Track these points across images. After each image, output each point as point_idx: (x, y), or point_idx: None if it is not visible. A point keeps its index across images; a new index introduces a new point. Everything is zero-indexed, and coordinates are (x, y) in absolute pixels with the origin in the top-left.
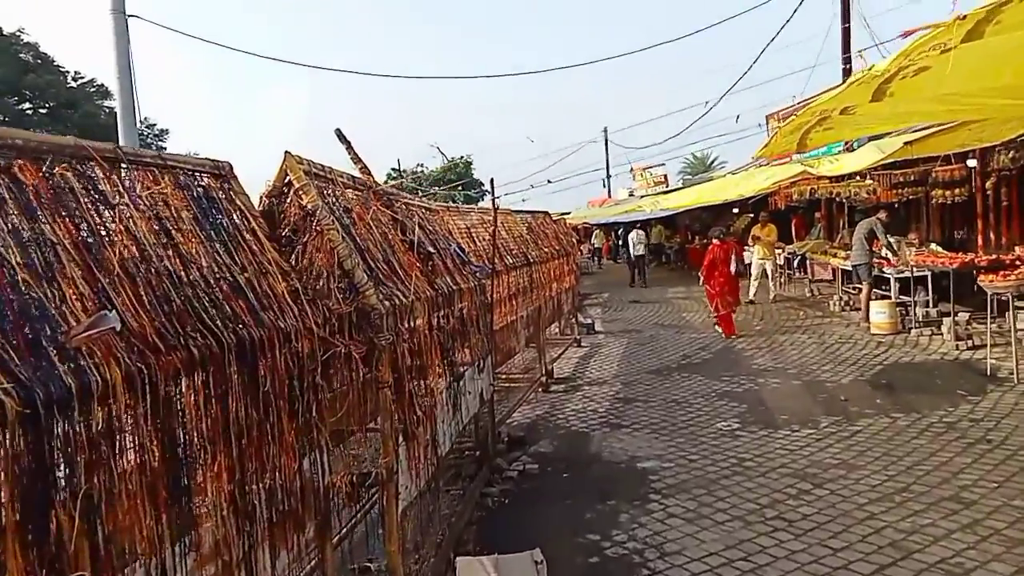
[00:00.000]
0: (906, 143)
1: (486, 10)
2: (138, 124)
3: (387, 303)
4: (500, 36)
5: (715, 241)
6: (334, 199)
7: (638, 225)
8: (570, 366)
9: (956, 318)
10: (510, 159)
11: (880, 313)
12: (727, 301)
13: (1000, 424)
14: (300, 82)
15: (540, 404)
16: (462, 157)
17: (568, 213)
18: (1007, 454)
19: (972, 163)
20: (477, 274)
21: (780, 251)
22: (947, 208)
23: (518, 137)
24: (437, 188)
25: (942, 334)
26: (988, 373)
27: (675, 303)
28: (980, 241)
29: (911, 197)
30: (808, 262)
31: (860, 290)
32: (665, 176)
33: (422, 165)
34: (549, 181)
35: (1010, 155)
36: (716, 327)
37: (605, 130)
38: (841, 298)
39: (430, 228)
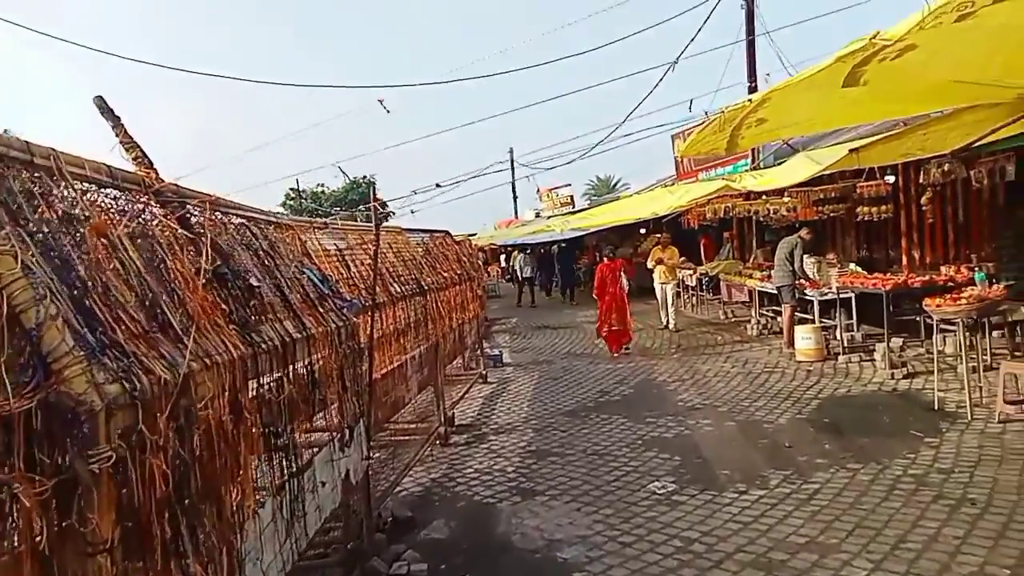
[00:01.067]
0: (851, 150)
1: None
2: None
3: (113, 387)
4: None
5: (604, 260)
6: (41, 201)
7: (528, 250)
8: (474, 408)
9: (890, 344)
10: (414, 178)
11: (806, 339)
12: (613, 319)
13: (975, 478)
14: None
15: (437, 463)
16: (365, 176)
17: (474, 234)
18: (1001, 522)
19: (890, 179)
20: (345, 311)
21: (691, 272)
22: (871, 226)
23: (426, 158)
24: (339, 209)
25: (873, 361)
26: (936, 407)
27: (587, 329)
28: (905, 260)
29: (832, 215)
30: (721, 283)
31: (780, 313)
32: (571, 197)
33: (323, 185)
34: (438, 185)
35: (942, 168)
36: (600, 339)
37: (511, 151)
38: (759, 321)
39: (264, 250)
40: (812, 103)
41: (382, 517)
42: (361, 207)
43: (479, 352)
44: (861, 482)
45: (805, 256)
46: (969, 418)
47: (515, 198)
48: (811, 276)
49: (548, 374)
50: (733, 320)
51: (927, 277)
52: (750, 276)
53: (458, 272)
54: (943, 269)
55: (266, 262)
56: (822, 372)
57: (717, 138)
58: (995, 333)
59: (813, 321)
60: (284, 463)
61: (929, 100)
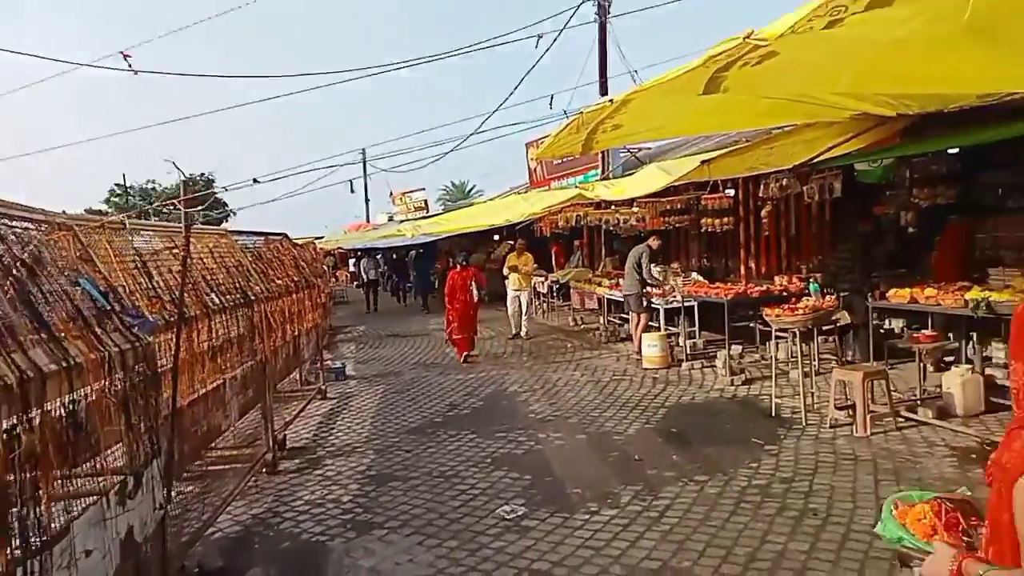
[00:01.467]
0: (703, 162)
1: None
2: None
3: None
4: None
5: (455, 268)
6: None
7: (379, 254)
8: (310, 429)
9: (730, 352)
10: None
11: (652, 346)
12: (460, 326)
13: (815, 487)
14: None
15: (262, 495)
16: (202, 174)
17: (321, 237)
18: (841, 532)
19: (730, 192)
20: (137, 329)
21: (543, 280)
22: (712, 237)
23: (271, 158)
24: (173, 207)
25: (714, 367)
26: (772, 414)
27: (438, 337)
28: (743, 271)
29: (678, 226)
30: (572, 290)
31: (628, 320)
32: (425, 201)
33: (154, 181)
34: (255, 180)
35: (780, 183)
36: (448, 343)
37: (363, 152)
38: (607, 328)
39: (13, 258)
40: (669, 109)
41: (186, 569)
42: (200, 207)
43: (319, 365)
44: (709, 496)
45: (653, 265)
46: (804, 423)
47: (367, 200)
48: (659, 284)
49: (395, 387)
50: (583, 327)
51: (764, 287)
52: (599, 284)
53: (295, 279)
54: (777, 279)
55: (16, 273)
56: (667, 379)
57: (573, 139)
58: (823, 339)
59: (659, 329)
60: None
61: (775, 115)
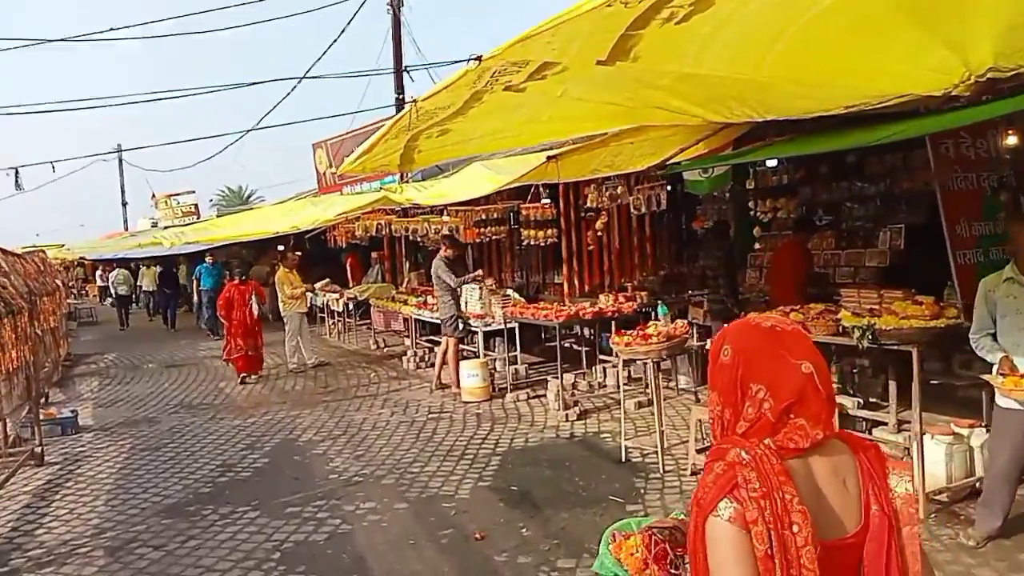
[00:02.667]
0: (549, 157)
1: None
2: None
3: None
4: None
5: (233, 281)
6: None
7: (136, 264)
8: (9, 518)
9: (562, 382)
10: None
11: (472, 376)
12: (239, 344)
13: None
14: None
15: None
16: None
17: (63, 245)
18: None
19: (547, 201)
20: None
21: (337, 296)
22: (530, 251)
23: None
24: None
25: (542, 398)
26: (623, 459)
27: (211, 366)
28: (566, 288)
29: (494, 237)
30: (372, 309)
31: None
32: (196, 206)
33: None
34: None
35: (612, 191)
36: (226, 363)
37: (119, 147)
38: (416, 353)
39: None
40: (508, 114)
41: None
42: None
43: (33, 416)
44: None
45: (467, 285)
46: (661, 471)
47: (124, 204)
48: (472, 301)
49: (147, 441)
50: (386, 351)
51: (596, 307)
52: (405, 302)
53: None
54: (602, 297)
55: None
56: (492, 415)
57: (389, 148)
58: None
59: (477, 355)
60: None
61: (619, 120)
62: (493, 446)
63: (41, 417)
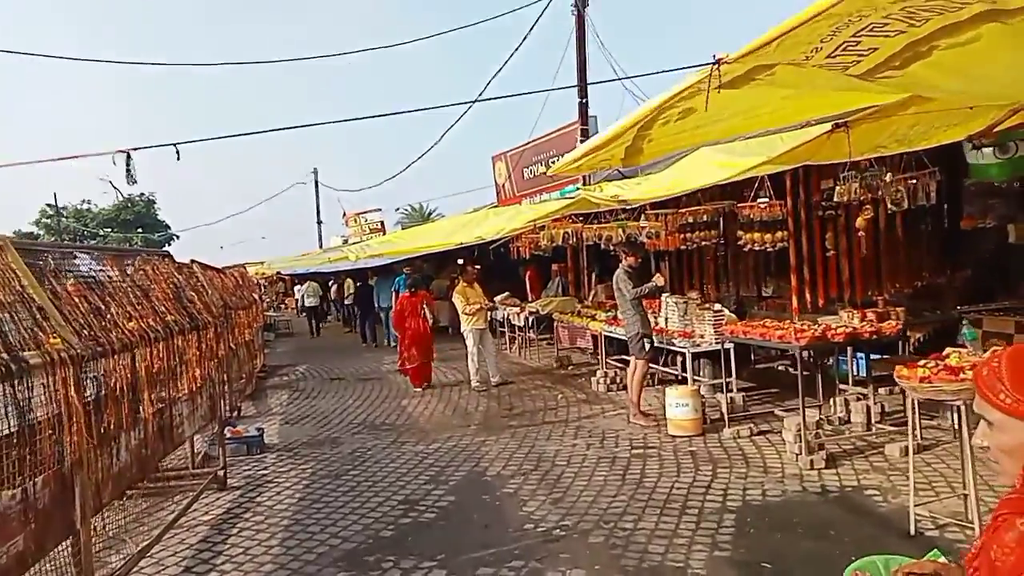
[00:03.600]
0: (836, 125)
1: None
2: None
3: None
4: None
5: (404, 293)
6: None
7: (332, 279)
8: (184, 555)
9: (805, 420)
10: (204, 202)
11: (681, 406)
12: (413, 355)
13: None
14: None
15: None
16: (142, 194)
17: (263, 262)
18: None
19: (763, 201)
20: None
21: (518, 311)
22: (745, 258)
23: (214, 176)
24: (109, 229)
25: (768, 434)
26: (913, 531)
27: (393, 381)
28: (794, 302)
29: (703, 243)
30: (556, 324)
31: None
32: (382, 223)
33: (89, 202)
34: (176, 150)
35: (869, 183)
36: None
37: (315, 171)
38: (607, 374)
39: None
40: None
41: None
42: (139, 229)
43: (218, 435)
44: None
45: (668, 298)
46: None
47: (319, 223)
48: (674, 318)
49: (329, 466)
50: (572, 369)
51: (849, 328)
52: (592, 317)
53: (172, 319)
54: (843, 314)
55: None
56: (710, 455)
57: (614, 145)
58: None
59: (682, 380)
60: None
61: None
62: (721, 498)
63: (228, 435)
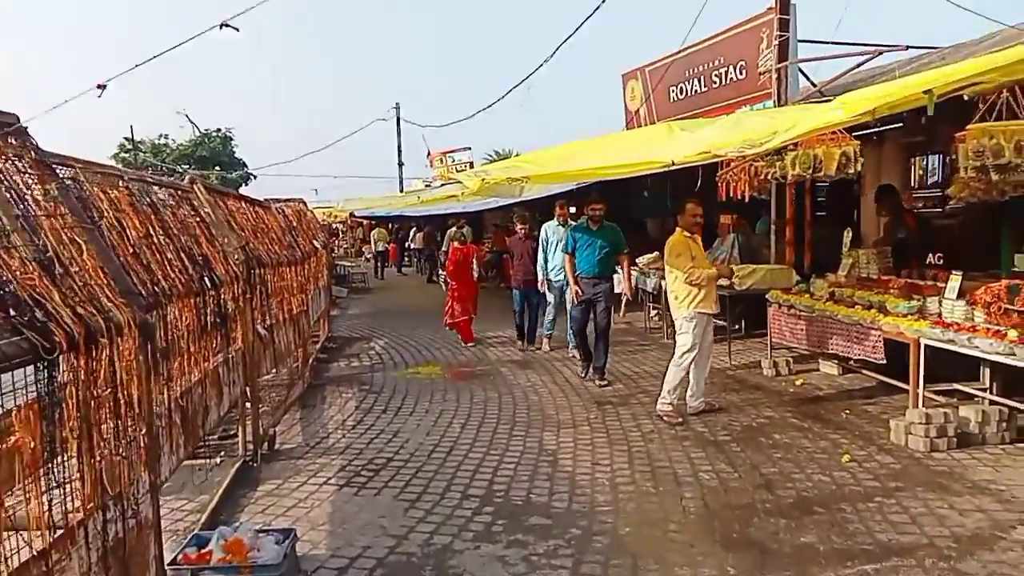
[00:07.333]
0: None
1: None
2: None
3: None
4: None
5: (455, 244)
6: None
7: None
8: None
9: None
10: (278, 136)
11: None
12: (462, 308)
13: None
14: None
15: None
16: (219, 129)
17: (334, 204)
18: None
19: None
20: None
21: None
22: None
23: (289, 110)
24: (187, 166)
25: None
26: None
27: (514, 381)
28: None
29: None
30: (770, 309)
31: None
32: (471, 164)
33: (166, 136)
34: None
35: None
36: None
37: (397, 107)
38: (928, 416)
39: None
40: None
41: None
42: (217, 167)
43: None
44: None
45: None
46: None
47: (400, 164)
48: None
49: None
50: (826, 393)
51: None
52: (882, 308)
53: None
54: None
55: None
56: None
57: None
58: None
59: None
60: None
61: None
62: None
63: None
